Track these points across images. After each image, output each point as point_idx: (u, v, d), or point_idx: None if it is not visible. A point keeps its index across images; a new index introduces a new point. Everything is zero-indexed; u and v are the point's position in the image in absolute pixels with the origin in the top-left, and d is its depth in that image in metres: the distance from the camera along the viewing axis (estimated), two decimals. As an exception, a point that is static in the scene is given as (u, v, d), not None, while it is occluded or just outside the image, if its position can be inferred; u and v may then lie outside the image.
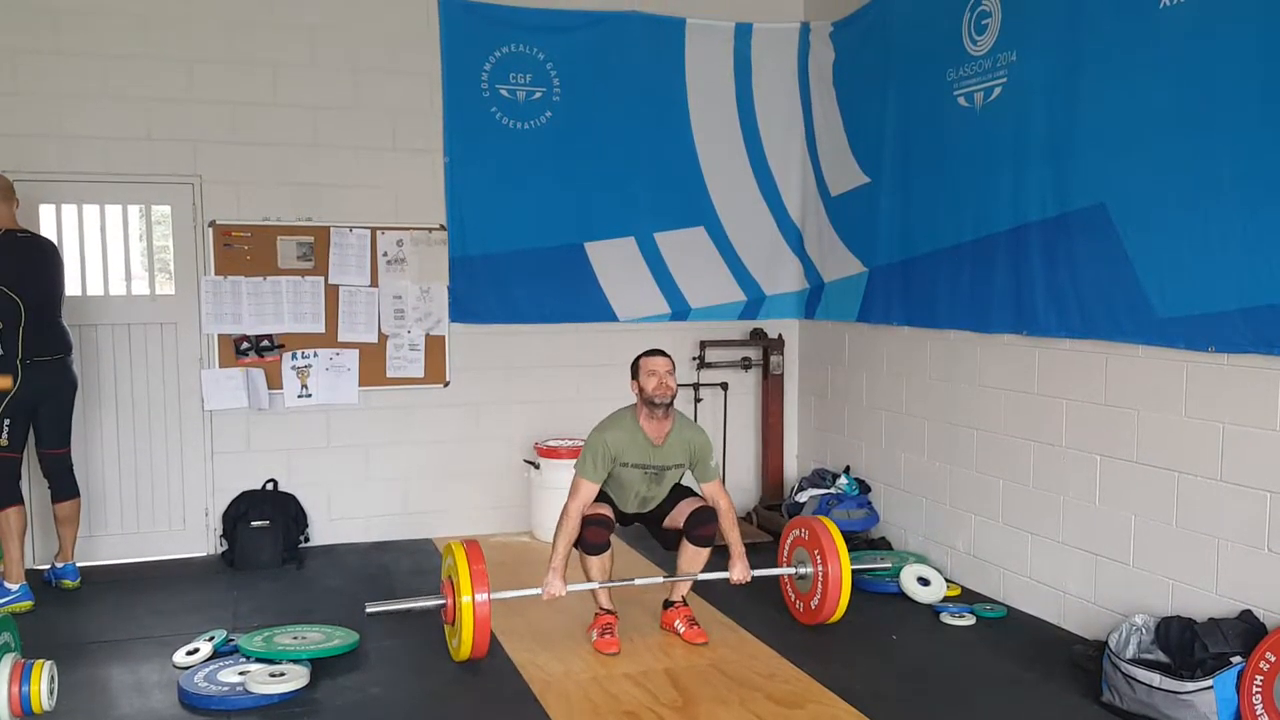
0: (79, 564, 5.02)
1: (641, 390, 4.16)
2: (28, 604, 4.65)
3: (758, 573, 4.34)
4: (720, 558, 4.30)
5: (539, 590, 4.06)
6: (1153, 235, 3.82)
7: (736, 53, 6.15)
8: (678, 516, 4.30)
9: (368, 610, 4.00)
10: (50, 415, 4.83)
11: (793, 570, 4.43)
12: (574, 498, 4.14)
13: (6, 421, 4.64)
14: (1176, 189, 3.72)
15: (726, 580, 4.27)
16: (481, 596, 3.76)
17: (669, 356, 4.23)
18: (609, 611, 4.27)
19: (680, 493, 4.40)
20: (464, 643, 3.82)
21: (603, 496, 4.27)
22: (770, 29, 6.17)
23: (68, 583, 4.94)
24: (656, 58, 6.02)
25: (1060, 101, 4.23)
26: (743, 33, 6.13)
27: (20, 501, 4.74)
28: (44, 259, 4.81)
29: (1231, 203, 3.52)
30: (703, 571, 4.30)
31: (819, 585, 4.27)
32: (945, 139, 4.94)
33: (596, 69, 5.92)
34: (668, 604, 4.41)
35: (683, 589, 4.40)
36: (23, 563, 4.72)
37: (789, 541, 4.52)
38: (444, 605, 3.96)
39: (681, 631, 4.29)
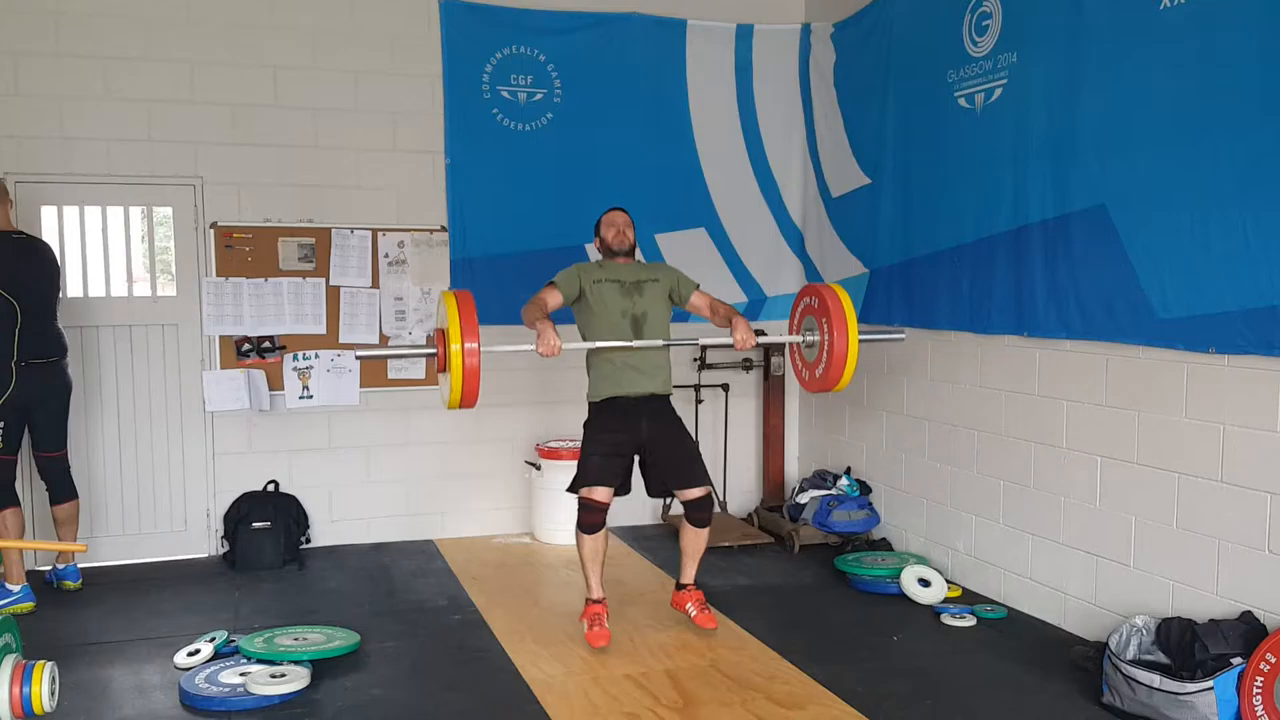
0: (80, 565, 5.03)
1: (602, 241, 4.43)
2: (29, 605, 4.65)
3: (765, 340, 4.48)
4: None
5: (532, 346, 4.11)
6: (1153, 236, 3.82)
7: (737, 54, 6.15)
8: (682, 496, 4.29)
9: (356, 355, 3.98)
10: (46, 418, 4.82)
11: (800, 339, 4.34)
12: (537, 294, 4.30)
13: (0, 425, 4.64)
14: (1177, 190, 3.72)
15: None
16: (470, 344, 3.76)
17: (626, 212, 4.48)
18: (598, 601, 4.29)
19: (694, 469, 4.33)
20: (454, 390, 3.82)
21: (605, 462, 4.23)
22: (771, 30, 6.17)
23: (69, 584, 4.94)
24: (657, 59, 6.02)
25: (1061, 102, 4.23)
26: (744, 34, 6.13)
27: (16, 504, 4.74)
28: (40, 261, 4.80)
29: (1232, 203, 3.52)
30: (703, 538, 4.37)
31: (824, 354, 4.14)
32: (946, 140, 4.94)
33: (597, 70, 5.92)
34: (679, 586, 4.47)
35: (692, 572, 4.44)
36: (23, 564, 4.72)
37: (799, 309, 4.39)
38: (434, 354, 3.96)
39: (693, 615, 4.35)
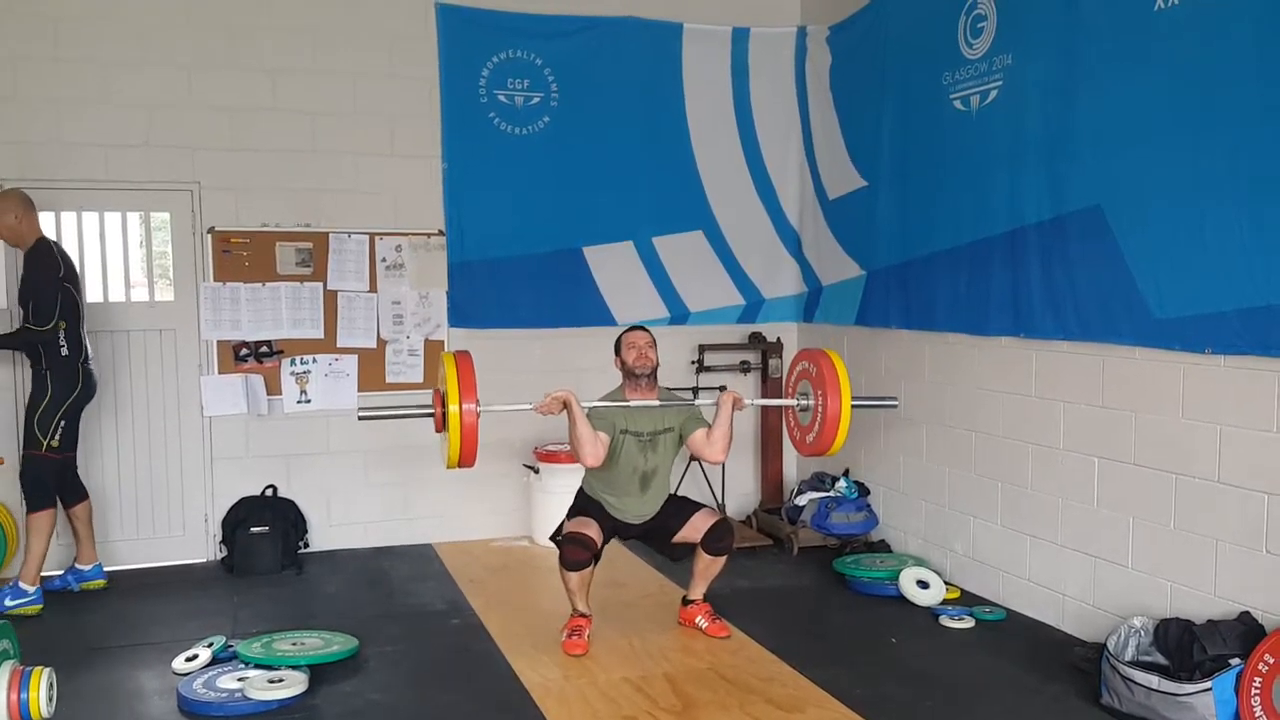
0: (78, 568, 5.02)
1: (624, 364, 4.32)
2: (38, 607, 4.66)
3: (758, 402, 4.58)
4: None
5: (529, 405, 4.14)
6: (1149, 237, 3.83)
7: (734, 57, 6.16)
8: (692, 532, 4.34)
9: (359, 414, 4.11)
10: (78, 419, 4.89)
11: (795, 403, 4.40)
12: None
13: (63, 423, 4.71)
14: (1172, 190, 3.73)
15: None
16: (469, 406, 3.78)
17: (648, 331, 4.39)
18: (583, 615, 4.30)
19: (688, 506, 4.44)
20: (452, 450, 3.85)
21: (596, 510, 4.30)
22: (767, 33, 6.18)
23: (99, 583, 4.97)
24: (654, 62, 6.03)
25: (1056, 104, 4.23)
26: (740, 37, 6.14)
27: (54, 505, 4.80)
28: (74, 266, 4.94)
29: (1227, 204, 3.52)
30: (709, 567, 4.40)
31: (818, 418, 4.21)
32: (942, 142, 4.95)
33: (594, 74, 5.93)
34: (686, 601, 4.48)
35: (702, 588, 4.45)
36: (42, 566, 4.74)
37: (795, 373, 4.46)
38: (432, 414, 3.98)
39: (704, 626, 4.36)
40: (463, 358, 3.91)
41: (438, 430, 4.01)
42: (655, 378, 4.34)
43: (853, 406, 4.15)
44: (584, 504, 4.39)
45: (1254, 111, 3.43)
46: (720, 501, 6.24)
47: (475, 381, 3.83)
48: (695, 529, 4.33)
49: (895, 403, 4.73)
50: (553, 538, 4.40)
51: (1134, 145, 3.87)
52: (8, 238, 4.74)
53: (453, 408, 3.77)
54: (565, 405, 4.14)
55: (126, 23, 5.29)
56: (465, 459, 3.88)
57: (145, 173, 5.36)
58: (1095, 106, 4.05)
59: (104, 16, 5.26)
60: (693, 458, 5.93)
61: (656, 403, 4.30)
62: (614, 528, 4.35)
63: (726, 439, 4.29)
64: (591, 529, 4.21)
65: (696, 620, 4.40)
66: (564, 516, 4.39)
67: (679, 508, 4.43)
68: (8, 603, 4.62)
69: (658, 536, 4.45)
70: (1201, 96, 3.61)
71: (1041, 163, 4.31)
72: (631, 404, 4.27)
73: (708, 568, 4.39)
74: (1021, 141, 4.42)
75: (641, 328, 4.43)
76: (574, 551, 4.17)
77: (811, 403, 4.26)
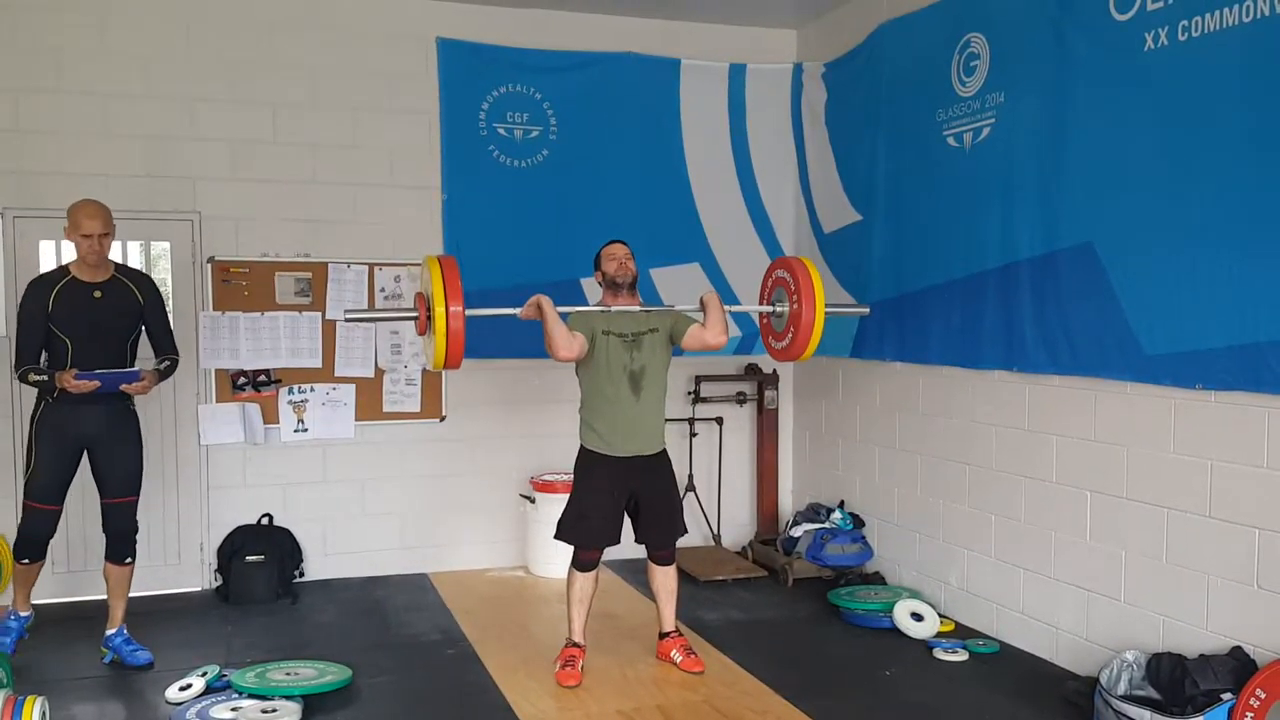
0: (74, 599, 4.98)
1: (604, 274, 4.36)
2: None
3: (735, 309, 4.53)
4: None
5: (517, 310, 4.19)
6: (1140, 273, 3.87)
7: (731, 92, 6.23)
8: (647, 543, 4.41)
9: (345, 316, 4.25)
10: None
11: (770, 309, 4.44)
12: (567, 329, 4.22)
13: None
14: (1163, 228, 3.77)
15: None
16: (455, 309, 3.79)
17: (626, 244, 4.41)
18: (577, 645, 4.30)
19: (669, 514, 4.40)
20: (438, 353, 3.86)
21: (595, 495, 4.26)
22: (764, 69, 6.25)
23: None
24: (652, 97, 6.09)
25: (1048, 142, 4.29)
26: (737, 73, 6.21)
27: None
28: None
29: (1218, 241, 3.57)
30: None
31: (792, 325, 4.27)
32: (935, 178, 5.00)
33: (593, 108, 5.99)
34: (662, 635, 4.47)
35: (670, 616, 4.46)
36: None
37: (771, 279, 4.50)
38: (416, 318, 4.01)
39: (679, 661, 4.34)
40: (447, 261, 3.93)
41: (420, 333, 4.06)
42: (635, 289, 4.37)
43: (826, 312, 4.21)
44: (584, 479, 4.32)
45: (1243, 150, 3.47)
46: (715, 532, 6.26)
47: (460, 283, 3.84)
48: (647, 543, 4.39)
49: (866, 310, 4.74)
50: (558, 536, 4.34)
51: (1125, 183, 3.93)
52: (103, 253, 4.35)
53: (439, 309, 3.79)
54: (539, 307, 4.16)
55: (128, 55, 5.35)
56: (451, 361, 3.89)
57: (146, 202, 5.40)
58: (1087, 144, 4.10)
59: (106, 49, 5.32)
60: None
61: (637, 307, 4.34)
62: (614, 504, 4.27)
63: (722, 323, 4.29)
64: (597, 541, 4.24)
65: (671, 654, 4.38)
66: (571, 509, 4.32)
67: (668, 519, 4.38)
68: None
69: (639, 523, 4.39)
70: (1192, 134, 3.66)
71: (1034, 199, 4.37)
72: (612, 309, 4.30)
73: (664, 583, 4.41)
74: (1014, 178, 4.48)
75: (621, 241, 4.43)
76: (586, 555, 4.26)
77: (787, 309, 4.31)
